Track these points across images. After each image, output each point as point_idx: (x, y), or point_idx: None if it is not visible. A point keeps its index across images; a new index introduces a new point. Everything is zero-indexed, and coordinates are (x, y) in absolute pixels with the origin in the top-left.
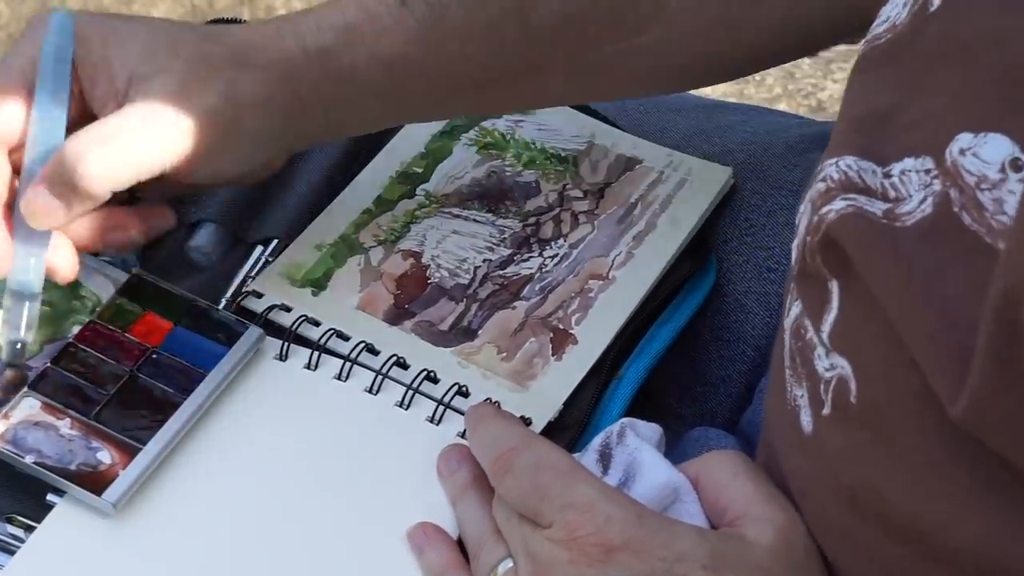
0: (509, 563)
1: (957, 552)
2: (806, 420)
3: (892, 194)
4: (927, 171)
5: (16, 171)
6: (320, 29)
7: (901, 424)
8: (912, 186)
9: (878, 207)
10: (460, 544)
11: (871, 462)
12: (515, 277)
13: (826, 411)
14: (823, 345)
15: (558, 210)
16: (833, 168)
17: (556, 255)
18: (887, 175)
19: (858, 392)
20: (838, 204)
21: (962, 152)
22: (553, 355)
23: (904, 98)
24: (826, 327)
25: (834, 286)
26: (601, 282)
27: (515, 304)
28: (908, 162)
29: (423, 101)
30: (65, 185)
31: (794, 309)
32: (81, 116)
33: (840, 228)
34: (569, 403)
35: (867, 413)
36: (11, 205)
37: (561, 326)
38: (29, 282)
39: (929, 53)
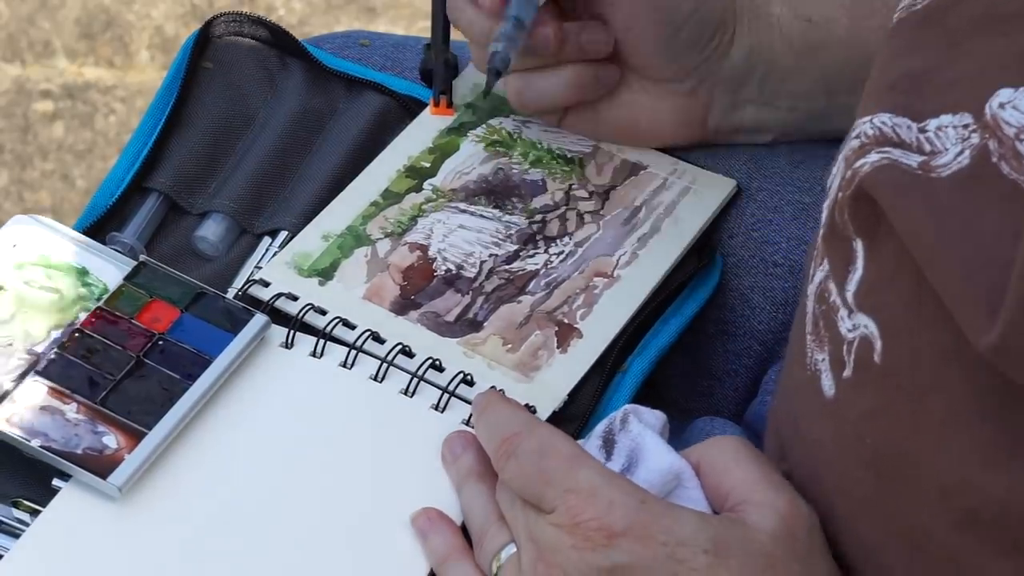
0: (512, 549)
1: (982, 511)
2: (827, 384)
3: (928, 147)
4: (965, 126)
5: None
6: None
7: (926, 382)
8: (949, 140)
9: (913, 159)
10: (464, 530)
11: (895, 422)
12: (521, 272)
13: (847, 373)
14: (846, 306)
15: (564, 209)
16: (867, 125)
17: (562, 252)
18: (922, 130)
19: (883, 351)
20: (872, 157)
21: (1002, 106)
22: (558, 348)
23: (941, 60)
24: (851, 286)
25: (859, 245)
26: (606, 280)
27: (520, 298)
28: (945, 118)
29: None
30: None
31: (819, 274)
32: None
33: (873, 180)
34: (574, 395)
35: (891, 372)
36: None
37: (566, 320)
38: (515, 41)
39: (970, 20)
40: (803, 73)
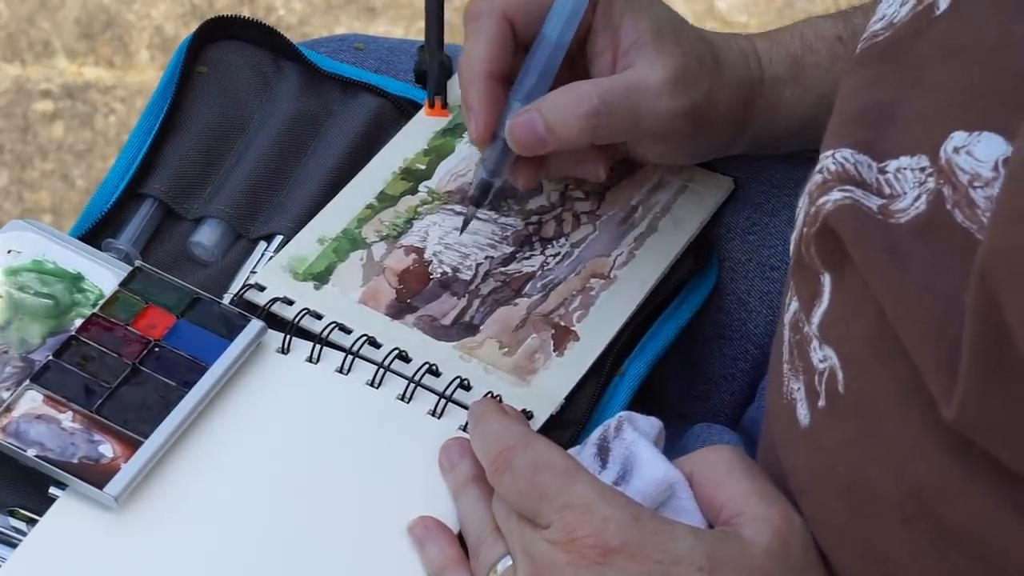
0: (508, 561)
1: (952, 538)
2: (803, 413)
3: (887, 190)
4: (922, 169)
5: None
6: (772, 60)
7: (887, 413)
8: (907, 184)
9: (873, 202)
10: (461, 537)
11: (862, 452)
12: (517, 274)
13: (821, 403)
14: (816, 337)
15: (560, 210)
16: (830, 160)
17: (558, 253)
18: (882, 171)
19: (845, 383)
20: (835, 195)
21: (956, 150)
22: (555, 351)
23: (901, 95)
24: (816, 319)
25: (826, 279)
26: (603, 281)
27: (517, 301)
28: (904, 160)
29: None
30: (552, 126)
31: (793, 304)
32: (576, 46)
33: (837, 218)
34: (571, 399)
35: (854, 403)
36: (508, 78)
37: (563, 323)
38: (498, 172)
39: (930, 54)
40: (805, 135)
